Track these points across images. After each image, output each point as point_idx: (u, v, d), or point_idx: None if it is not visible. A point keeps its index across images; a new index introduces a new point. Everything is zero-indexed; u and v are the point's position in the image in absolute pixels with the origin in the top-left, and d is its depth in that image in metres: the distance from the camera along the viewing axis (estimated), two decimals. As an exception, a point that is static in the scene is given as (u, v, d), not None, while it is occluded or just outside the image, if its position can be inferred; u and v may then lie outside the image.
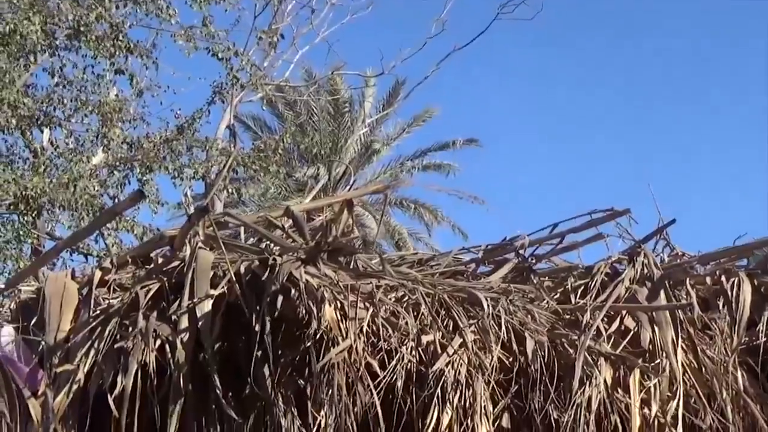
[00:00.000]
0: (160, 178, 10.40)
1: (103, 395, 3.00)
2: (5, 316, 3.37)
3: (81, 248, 9.29)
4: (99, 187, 10.53)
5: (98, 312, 3.19)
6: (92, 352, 3.07)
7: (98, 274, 3.31)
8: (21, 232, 10.20)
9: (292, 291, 2.96)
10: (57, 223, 10.83)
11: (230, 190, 11.32)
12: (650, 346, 3.32)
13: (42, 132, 10.60)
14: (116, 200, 10.19)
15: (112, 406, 2.94)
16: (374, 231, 15.98)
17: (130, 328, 3.08)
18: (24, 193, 9.70)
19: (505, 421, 3.32)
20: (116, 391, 2.96)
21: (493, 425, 3.20)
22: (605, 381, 3.22)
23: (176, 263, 3.23)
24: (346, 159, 17.41)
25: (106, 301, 3.26)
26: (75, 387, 3.01)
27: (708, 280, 3.68)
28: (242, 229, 3.70)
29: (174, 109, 10.80)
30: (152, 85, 10.50)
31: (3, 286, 3.31)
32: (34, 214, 10.06)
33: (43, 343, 3.14)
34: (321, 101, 17.14)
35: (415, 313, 3.18)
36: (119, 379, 2.98)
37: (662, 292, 3.44)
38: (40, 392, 3.02)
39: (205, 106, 10.84)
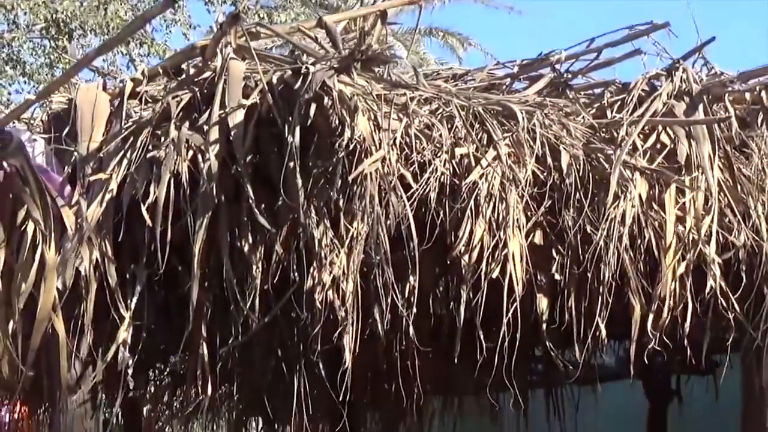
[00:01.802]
0: (193, 2, 10.33)
1: (137, 205, 3.00)
2: (37, 128, 3.36)
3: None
4: (130, 11, 10.46)
5: (130, 123, 3.17)
6: (125, 162, 3.06)
7: (130, 85, 3.28)
8: (52, 58, 10.18)
9: (325, 100, 2.92)
10: (88, 47, 10.80)
11: (261, 15, 11.21)
12: (686, 162, 3.28)
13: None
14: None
15: (145, 216, 2.95)
16: (405, 60, 15.78)
17: (162, 138, 3.07)
18: (55, 16, 9.64)
19: (538, 238, 3.31)
20: (149, 201, 2.96)
21: (526, 241, 3.19)
22: (640, 196, 3.19)
23: (208, 74, 3.19)
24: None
25: (138, 114, 3.24)
26: (108, 197, 3.01)
27: (747, 96, 3.62)
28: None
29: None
30: None
31: (35, 97, 3.29)
32: (65, 39, 10.01)
33: (75, 153, 3.14)
34: None
35: (449, 126, 3.14)
36: (152, 188, 2.98)
37: (700, 107, 3.39)
38: (73, 202, 3.03)
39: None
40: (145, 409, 8.03)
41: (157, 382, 7.67)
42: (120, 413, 7.09)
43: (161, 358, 6.72)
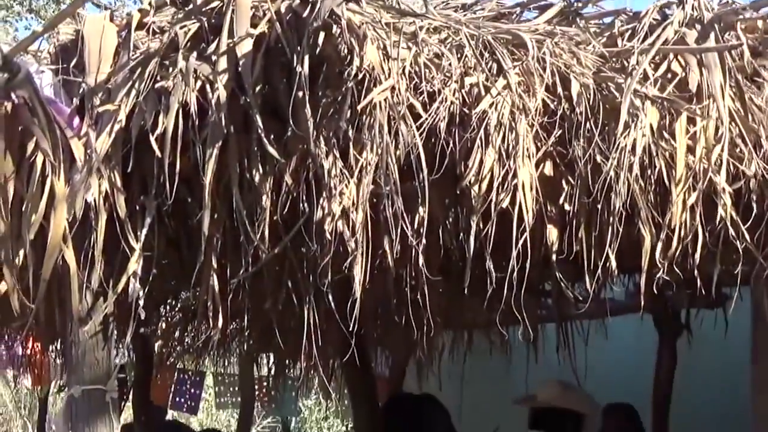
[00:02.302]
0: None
1: (145, 136, 2.99)
2: (45, 60, 3.34)
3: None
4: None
5: (138, 54, 3.16)
6: (133, 93, 3.05)
7: (137, 16, 3.26)
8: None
9: (334, 28, 2.90)
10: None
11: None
12: (697, 91, 3.26)
13: None
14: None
15: (154, 146, 2.94)
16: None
17: (170, 69, 3.06)
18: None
19: (548, 169, 3.30)
20: (158, 131, 2.95)
21: (536, 171, 3.18)
22: (651, 126, 3.17)
23: (216, 3, 3.16)
24: None
25: (145, 45, 3.23)
26: (117, 128, 3.00)
27: (759, 24, 3.59)
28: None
29: None
30: None
31: (42, 29, 3.26)
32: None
33: (83, 85, 3.12)
34: None
35: (459, 55, 3.13)
36: (160, 119, 2.97)
37: (712, 36, 3.36)
38: (82, 133, 3.02)
39: None
40: (156, 345, 8.10)
41: (168, 319, 7.73)
42: (131, 348, 7.16)
43: (172, 295, 6.77)
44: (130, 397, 7.40)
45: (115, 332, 3.36)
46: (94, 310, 3.13)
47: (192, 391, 9.84)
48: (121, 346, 3.22)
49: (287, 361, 8.69)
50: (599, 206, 3.21)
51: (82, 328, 3.14)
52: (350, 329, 3.33)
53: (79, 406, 3.20)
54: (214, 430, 6.98)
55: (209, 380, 10.35)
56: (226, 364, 9.89)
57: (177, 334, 8.23)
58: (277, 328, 4.47)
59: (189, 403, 9.82)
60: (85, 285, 3.09)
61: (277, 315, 4.46)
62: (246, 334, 7.70)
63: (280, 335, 4.58)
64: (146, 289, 3.18)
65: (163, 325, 7.87)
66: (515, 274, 3.08)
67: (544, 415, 5.23)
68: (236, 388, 10.15)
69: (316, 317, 3.46)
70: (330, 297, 3.28)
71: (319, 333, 3.42)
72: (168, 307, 7.51)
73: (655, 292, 4.41)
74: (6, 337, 7.52)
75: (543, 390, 5.35)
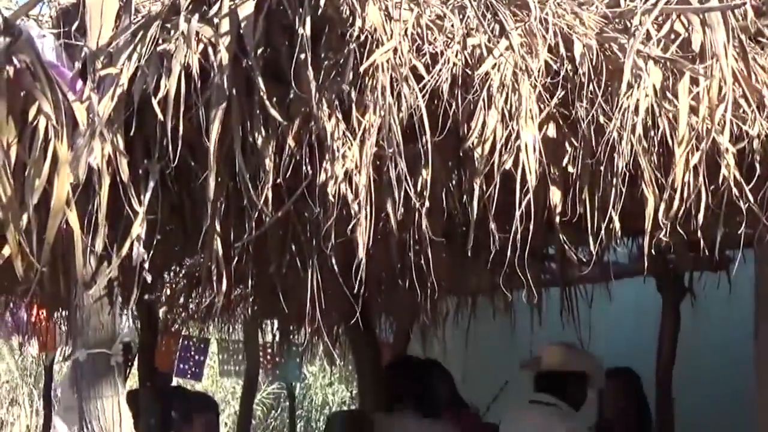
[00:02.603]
0: None
1: (148, 100, 2.99)
2: (46, 24, 3.34)
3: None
4: None
5: (139, 17, 3.15)
6: (135, 57, 3.04)
7: (138, -21, 3.25)
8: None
9: (335, -11, 2.89)
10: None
11: None
12: (700, 51, 3.25)
13: None
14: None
15: (157, 109, 2.94)
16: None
17: (172, 32, 3.05)
18: None
19: (551, 131, 3.29)
20: (160, 95, 2.95)
21: (539, 133, 3.17)
22: (654, 86, 3.16)
23: (216, -34, 3.15)
24: None
25: (147, 8, 3.22)
26: (119, 91, 3.00)
27: (764, -17, 3.57)
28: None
29: None
30: None
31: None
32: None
33: (85, 48, 3.12)
34: None
35: (461, 16, 3.11)
36: (162, 82, 2.96)
37: (715, -5, 3.34)
38: (84, 97, 3.02)
39: None
40: (161, 311, 8.13)
41: (173, 285, 7.75)
42: (136, 315, 7.18)
43: (176, 261, 6.77)
44: (135, 363, 7.42)
45: (120, 297, 3.35)
46: (99, 274, 3.13)
47: (196, 357, 9.89)
48: (125, 311, 3.22)
49: (291, 328, 8.73)
50: (602, 168, 3.20)
51: (86, 292, 3.15)
52: (354, 293, 3.35)
53: (84, 370, 3.21)
54: (204, 394, 6.99)
55: (214, 347, 10.39)
56: (231, 330, 9.93)
57: (181, 300, 8.27)
58: (281, 293, 4.49)
59: (193, 369, 9.88)
60: (89, 249, 3.10)
61: (281, 280, 4.47)
62: (250, 300, 7.73)
63: (285, 301, 4.59)
64: (150, 255, 3.18)
65: (168, 292, 7.90)
66: (518, 236, 3.08)
67: (550, 378, 5.24)
68: (240, 356, 10.20)
69: (320, 281, 3.47)
70: (333, 260, 3.29)
71: (323, 298, 3.42)
72: (172, 274, 7.54)
73: (659, 254, 4.42)
74: (11, 304, 7.54)
75: (547, 353, 5.36)
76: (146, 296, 6.45)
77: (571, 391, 5.28)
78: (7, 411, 17.48)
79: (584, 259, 5.44)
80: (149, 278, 3.15)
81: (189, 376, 9.91)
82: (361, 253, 3.04)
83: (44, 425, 10.81)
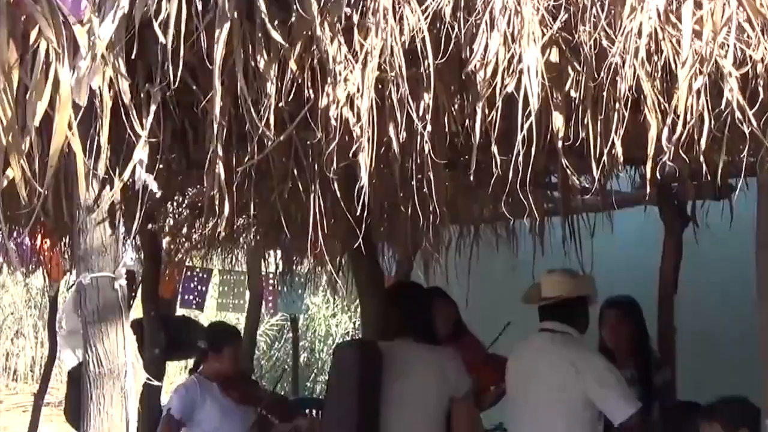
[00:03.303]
0: None
1: (149, 23, 2.97)
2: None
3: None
4: None
5: (140, -60, 3.12)
6: (135, -21, 3.02)
7: None
8: None
9: None
10: None
11: None
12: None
13: None
14: None
15: (158, 33, 2.93)
16: None
17: (173, -47, 3.02)
18: None
19: (554, 56, 3.28)
20: (161, 17, 2.93)
21: (542, 57, 3.16)
22: (657, 9, 3.14)
23: None
24: None
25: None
26: (120, 14, 2.98)
27: None
28: None
29: None
30: None
31: None
32: None
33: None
34: None
35: (463, -63, 3.09)
36: (163, 5, 2.94)
37: None
38: (85, 20, 3.00)
39: None
40: (164, 241, 8.17)
41: (176, 216, 7.78)
42: (139, 243, 7.21)
43: (179, 191, 6.79)
44: (139, 294, 7.48)
45: (123, 222, 3.36)
46: (101, 198, 3.14)
47: (200, 288, 9.95)
48: (128, 240, 3.21)
49: (294, 258, 8.78)
50: (605, 92, 3.19)
51: (89, 215, 3.16)
52: (357, 217, 3.36)
53: (88, 294, 3.22)
54: (229, 324, 7.05)
55: (216, 279, 10.45)
56: (234, 261, 9.98)
57: (184, 230, 8.30)
58: (284, 221, 4.50)
59: (197, 300, 9.94)
60: (91, 173, 3.11)
61: (284, 207, 4.48)
62: (253, 230, 7.75)
63: (288, 230, 4.61)
64: (153, 177, 3.18)
65: (171, 222, 7.93)
66: (520, 158, 3.08)
67: (555, 306, 5.26)
68: (241, 288, 10.25)
69: (323, 206, 3.48)
70: (336, 185, 3.30)
71: (326, 224, 3.44)
72: (175, 204, 7.56)
73: (662, 183, 4.41)
74: (16, 234, 7.56)
75: (547, 282, 5.37)
76: (149, 226, 6.49)
77: (576, 317, 5.30)
78: (12, 342, 17.62)
79: (587, 190, 5.47)
80: (156, 190, 3.13)
81: (193, 306, 9.98)
82: (364, 177, 3.05)
83: (49, 356, 10.91)
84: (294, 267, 8.97)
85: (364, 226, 3.80)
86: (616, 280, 6.18)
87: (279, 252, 9.35)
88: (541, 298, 5.36)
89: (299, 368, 12.62)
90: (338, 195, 3.38)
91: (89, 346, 3.25)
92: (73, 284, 7.83)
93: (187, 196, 7.35)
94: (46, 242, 8.51)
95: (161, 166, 3.50)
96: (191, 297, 9.89)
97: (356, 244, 4.02)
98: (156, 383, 3.63)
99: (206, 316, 12.00)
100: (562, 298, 5.25)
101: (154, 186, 3.10)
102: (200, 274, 9.97)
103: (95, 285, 3.21)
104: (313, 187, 3.52)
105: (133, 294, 7.62)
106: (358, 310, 7.96)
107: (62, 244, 7.74)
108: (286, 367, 13.50)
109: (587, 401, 5.05)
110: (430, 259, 7.04)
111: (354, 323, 15.47)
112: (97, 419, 3.22)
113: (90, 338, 3.25)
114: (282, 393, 9.96)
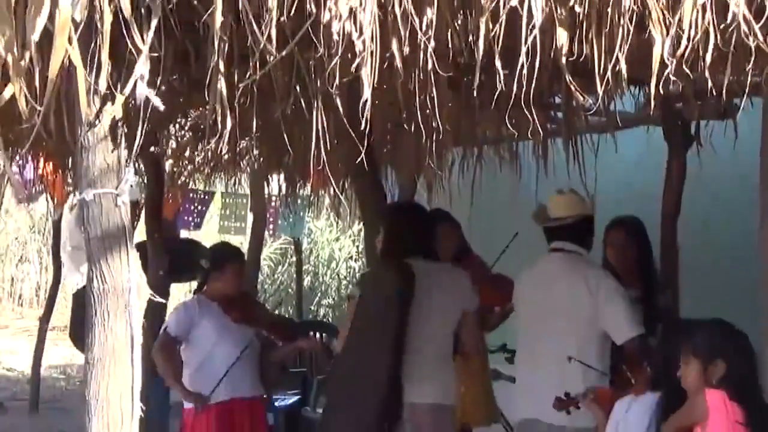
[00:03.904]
0: None
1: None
2: None
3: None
4: None
5: None
6: None
7: None
8: None
9: None
10: None
11: None
12: None
13: None
14: None
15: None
16: None
17: None
18: None
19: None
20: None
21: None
22: None
23: None
24: None
25: None
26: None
27: None
28: None
29: None
30: None
31: None
32: None
33: None
34: None
35: None
36: None
37: None
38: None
39: None
40: (167, 164, 8.14)
41: (179, 139, 7.75)
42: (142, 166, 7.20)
43: (181, 113, 6.75)
44: (142, 217, 7.49)
45: (125, 141, 3.33)
46: (103, 113, 3.12)
47: (200, 208, 9.94)
48: (130, 161, 3.19)
49: (297, 180, 8.74)
50: (609, 7, 3.16)
51: (90, 131, 3.14)
52: (360, 135, 3.34)
53: (92, 210, 3.21)
54: (225, 242, 7.06)
55: (219, 203, 10.45)
56: (237, 184, 9.96)
57: (187, 153, 8.28)
58: (287, 139, 4.48)
59: (195, 220, 9.93)
60: (92, 88, 3.08)
61: (286, 126, 4.46)
62: (256, 152, 7.73)
63: (291, 148, 4.59)
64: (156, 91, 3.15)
65: (174, 145, 7.91)
66: (524, 73, 3.05)
67: (562, 226, 5.23)
68: (243, 211, 10.25)
69: (326, 125, 3.45)
70: (338, 100, 3.27)
71: (329, 143, 3.42)
72: (178, 127, 7.53)
73: (666, 102, 4.37)
74: (18, 158, 7.54)
75: (554, 203, 5.33)
76: (152, 149, 6.47)
77: (584, 236, 5.29)
78: (16, 268, 17.68)
79: (591, 111, 5.43)
80: (159, 105, 3.10)
81: (191, 227, 9.97)
82: (367, 92, 3.02)
83: (54, 280, 10.95)
84: (297, 189, 8.92)
85: (366, 142, 3.78)
86: (619, 201, 6.17)
87: (282, 174, 9.31)
88: (551, 218, 5.32)
89: (303, 291, 12.69)
90: (341, 111, 3.36)
91: (93, 263, 3.24)
92: (76, 202, 7.82)
93: (189, 119, 7.31)
94: (49, 165, 8.48)
95: (163, 87, 3.47)
96: (190, 218, 9.89)
97: (359, 160, 3.97)
98: (160, 299, 3.63)
99: (209, 240, 12.03)
100: (576, 216, 5.22)
101: (156, 101, 3.06)
102: (202, 196, 9.96)
103: (98, 201, 3.20)
104: (315, 104, 3.49)
105: (137, 218, 7.63)
106: (361, 233, 7.96)
107: (65, 164, 7.69)
108: (290, 290, 13.56)
109: (598, 319, 5.06)
110: (434, 181, 7.02)
111: (357, 247, 15.50)
112: (101, 335, 3.23)
113: (93, 255, 3.24)
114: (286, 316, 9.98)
